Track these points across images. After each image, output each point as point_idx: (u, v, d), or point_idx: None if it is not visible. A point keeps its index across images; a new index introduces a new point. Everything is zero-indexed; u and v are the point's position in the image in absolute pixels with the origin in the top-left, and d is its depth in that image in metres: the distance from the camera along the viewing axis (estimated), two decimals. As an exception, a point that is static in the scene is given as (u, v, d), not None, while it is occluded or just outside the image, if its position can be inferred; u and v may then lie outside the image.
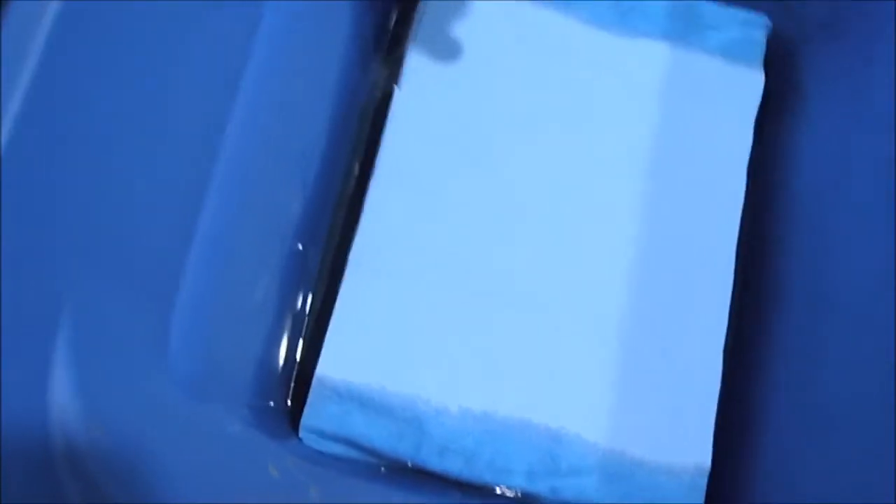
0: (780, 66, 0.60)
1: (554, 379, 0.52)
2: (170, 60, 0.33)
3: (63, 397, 0.24)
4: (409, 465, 0.50)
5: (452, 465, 0.50)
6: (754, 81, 0.59)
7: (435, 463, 0.50)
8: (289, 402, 0.50)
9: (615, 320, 0.53)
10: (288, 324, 0.47)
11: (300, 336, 0.49)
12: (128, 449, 0.25)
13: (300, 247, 0.49)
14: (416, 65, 0.57)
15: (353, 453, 0.50)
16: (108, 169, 0.29)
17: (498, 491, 0.50)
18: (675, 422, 0.52)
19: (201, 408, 0.34)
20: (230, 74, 0.38)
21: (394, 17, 0.60)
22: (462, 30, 0.58)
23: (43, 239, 0.26)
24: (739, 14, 0.60)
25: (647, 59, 0.60)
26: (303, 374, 0.51)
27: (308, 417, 0.49)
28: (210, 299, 0.37)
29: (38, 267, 0.25)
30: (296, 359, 0.50)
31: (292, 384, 0.51)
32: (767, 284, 0.54)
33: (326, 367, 0.50)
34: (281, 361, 0.47)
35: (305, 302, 0.50)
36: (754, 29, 0.60)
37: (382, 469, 0.49)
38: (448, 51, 0.57)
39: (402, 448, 0.50)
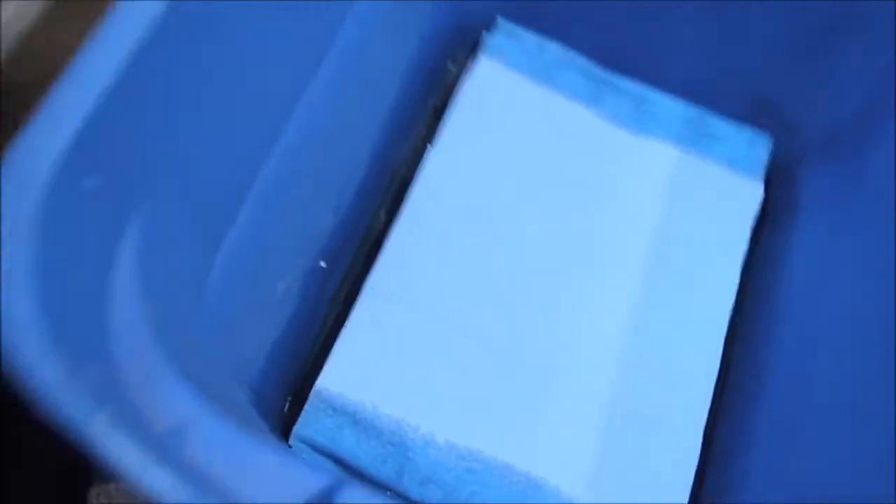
0: (778, 180, 0.66)
1: (541, 429, 0.54)
2: (252, 57, 0.38)
3: (124, 298, 0.27)
4: (389, 492, 0.51)
5: (432, 497, 0.51)
6: (754, 191, 0.65)
7: (415, 492, 0.51)
8: (285, 409, 0.52)
9: (606, 382, 0.56)
10: (299, 330, 0.50)
11: (309, 346, 0.52)
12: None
13: (323, 264, 0.52)
14: (452, 130, 0.63)
15: (337, 472, 0.52)
16: (197, 121, 0.34)
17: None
18: (654, 489, 0.53)
19: (216, 362, 0.36)
20: (297, 85, 0.43)
21: (436, 95, 0.66)
22: (497, 107, 0.65)
23: (136, 155, 0.30)
24: (746, 132, 0.67)
25: (657, 157, 0.65)
26: (303, 388, 0.53)
27: (301, 426, 0.51)
28: (240, 272, 0.40)
29: (123, 176, 0.29)
30: (300, 369, 0.52)
31: (289, 397, 0.53)
32: (750, 370, 0.57)
33: (327, 380, 0.52)
34: (287, 362, 0.50)
35: (319, 316, 0.53)
36: (758, 146, 0.66)
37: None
38: (481, 123, 0.63)
39: (385, 471, 0.51)
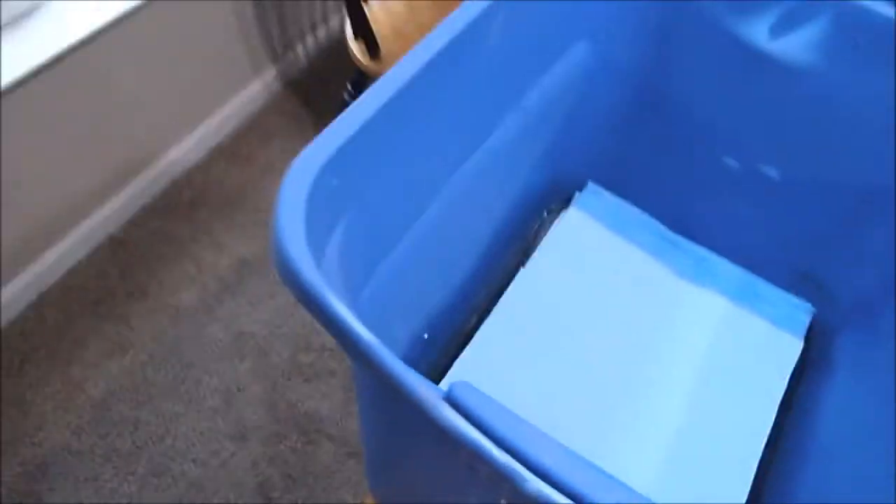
0: (817, 339, 0.76)
1: None
2: (444, 130, 0.55)
3: (331, 261, 0.40)
4: None
5: None
6: (793, 346, 0.75)
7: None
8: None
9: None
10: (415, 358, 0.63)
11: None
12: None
13: (426, 336, 0.66)
14: (541, 258, 0.77)
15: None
16: (395, 170, 0.50)
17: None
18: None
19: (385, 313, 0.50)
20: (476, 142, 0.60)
21: (531, 232, 0.82)
22: (580, 247, 0.79)
23: (360, 177, 0.45)
24: (791, 299, 0.78)
25: (710, 307, 0.77)
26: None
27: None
28: (391, 286, 0.54)
29: (350, 184, 0.44)
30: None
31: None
32: (780, 494, 0.65)
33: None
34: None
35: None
36: (801, 312, 0.78)
37: None
38: (565, 257, 0.78)
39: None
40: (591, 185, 0.83)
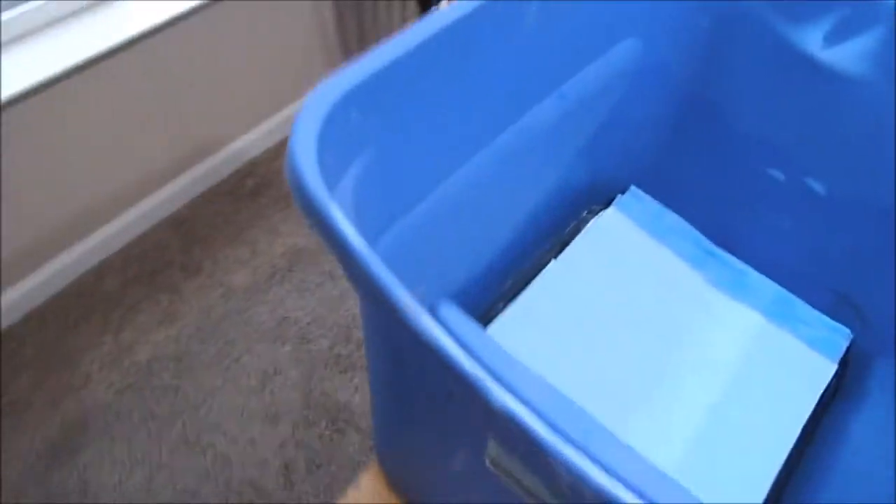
0: (853, 366, 0.73)
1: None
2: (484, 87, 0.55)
3: (344, 194, 0.41)
4: None
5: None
6: (826, 368, 0.72)
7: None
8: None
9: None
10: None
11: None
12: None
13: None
14: (575, 251, 0.77)
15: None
16: (430, 113, 0.51)
17: None
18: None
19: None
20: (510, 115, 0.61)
21: (569, 228, 0.82)
22: (616, 247, 0.79)
23: (382, 117, 0.46)
24: (828, 322, 0.76)
25: (745, 321, 0.76)
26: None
27: None
28: (441, 216, 0.55)
29: (372, 121, 0.45)
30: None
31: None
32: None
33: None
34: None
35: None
36: (838, 336, 0.75)
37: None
38: (599, 255, 0.77)
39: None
40: (633, 189, 0.83)
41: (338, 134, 0.41)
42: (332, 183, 0.40)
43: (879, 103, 0.64)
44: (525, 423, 0.31)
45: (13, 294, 1.34)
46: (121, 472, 1.20)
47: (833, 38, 0.65)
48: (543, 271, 0.75)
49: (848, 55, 0.64)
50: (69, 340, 1.35)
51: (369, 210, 0.46)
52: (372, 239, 0.45)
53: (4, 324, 1.35)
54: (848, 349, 0.75)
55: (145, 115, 1.38)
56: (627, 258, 0.78)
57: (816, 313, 0.77)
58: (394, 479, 0.69)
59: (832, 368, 0.73)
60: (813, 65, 0.66)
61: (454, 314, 0.34)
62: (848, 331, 0.75)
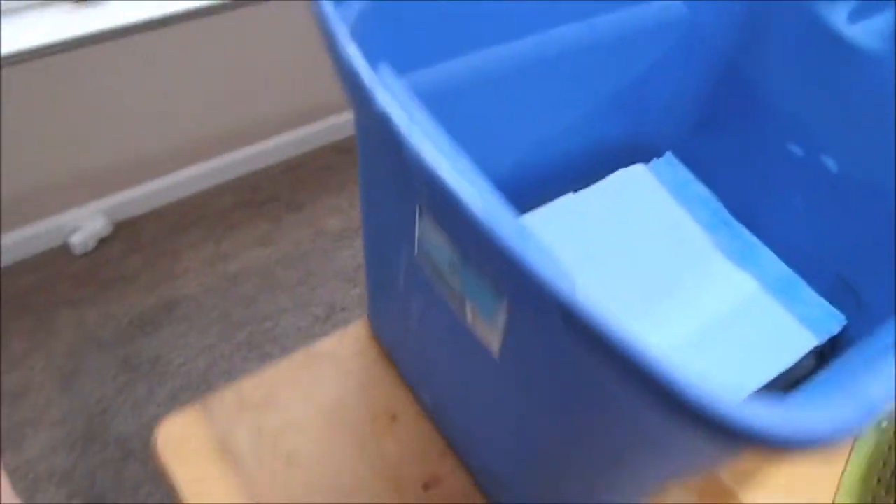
0: (839, 351, 0.74)
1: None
2: None
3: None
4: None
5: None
6: (807, 341, 0.73)
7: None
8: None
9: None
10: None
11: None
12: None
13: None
14: (595, 191, 0.83)
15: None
16: None
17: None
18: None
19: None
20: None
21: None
22: (633, 196, 0.84)
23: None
24: (826, 306, 0.76)
25: (742, 285, 0.78)
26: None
27: None
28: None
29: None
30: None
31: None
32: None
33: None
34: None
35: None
36: (832, 320, 0.75)
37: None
38: (617, 199, 0.83)
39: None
40: (668, 155, 0.88)
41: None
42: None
43: (889, 83, 0.67)
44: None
45: (150, 187, 1.56)
46: (188, 356, 1.35)
47: (858, 13, 0.68)
48: (555, 200, 0.82)
49: (870, 32, 0.67)
50: (180, 237, 1.55)
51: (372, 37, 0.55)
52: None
53: (132, 213, 1.57)
54: (840, 336, 0.75)
55: (291, 59, 1.58)
56: (642, 208, 0.83)
57: (816, 297, 0.77)
58: (374, 327, 0.78)
59: (813, 342, 0.73)
60: (839, 40, 0.69)
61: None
62: (843, 317, 0.76)
